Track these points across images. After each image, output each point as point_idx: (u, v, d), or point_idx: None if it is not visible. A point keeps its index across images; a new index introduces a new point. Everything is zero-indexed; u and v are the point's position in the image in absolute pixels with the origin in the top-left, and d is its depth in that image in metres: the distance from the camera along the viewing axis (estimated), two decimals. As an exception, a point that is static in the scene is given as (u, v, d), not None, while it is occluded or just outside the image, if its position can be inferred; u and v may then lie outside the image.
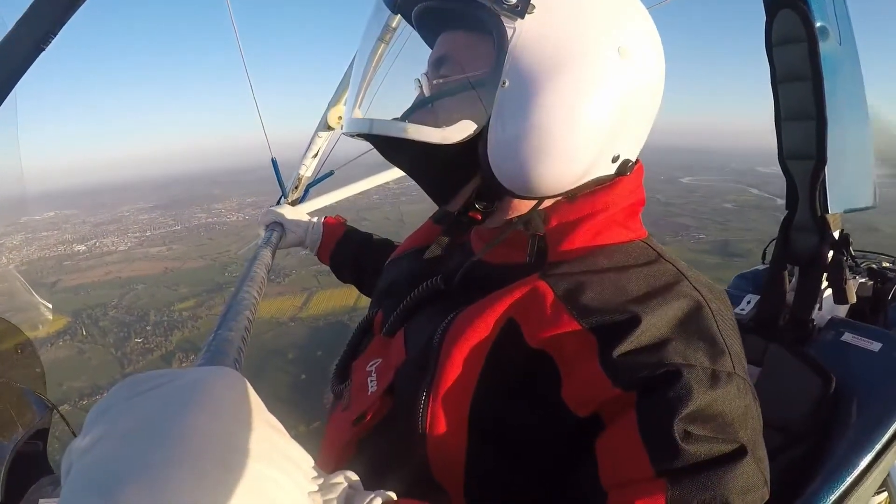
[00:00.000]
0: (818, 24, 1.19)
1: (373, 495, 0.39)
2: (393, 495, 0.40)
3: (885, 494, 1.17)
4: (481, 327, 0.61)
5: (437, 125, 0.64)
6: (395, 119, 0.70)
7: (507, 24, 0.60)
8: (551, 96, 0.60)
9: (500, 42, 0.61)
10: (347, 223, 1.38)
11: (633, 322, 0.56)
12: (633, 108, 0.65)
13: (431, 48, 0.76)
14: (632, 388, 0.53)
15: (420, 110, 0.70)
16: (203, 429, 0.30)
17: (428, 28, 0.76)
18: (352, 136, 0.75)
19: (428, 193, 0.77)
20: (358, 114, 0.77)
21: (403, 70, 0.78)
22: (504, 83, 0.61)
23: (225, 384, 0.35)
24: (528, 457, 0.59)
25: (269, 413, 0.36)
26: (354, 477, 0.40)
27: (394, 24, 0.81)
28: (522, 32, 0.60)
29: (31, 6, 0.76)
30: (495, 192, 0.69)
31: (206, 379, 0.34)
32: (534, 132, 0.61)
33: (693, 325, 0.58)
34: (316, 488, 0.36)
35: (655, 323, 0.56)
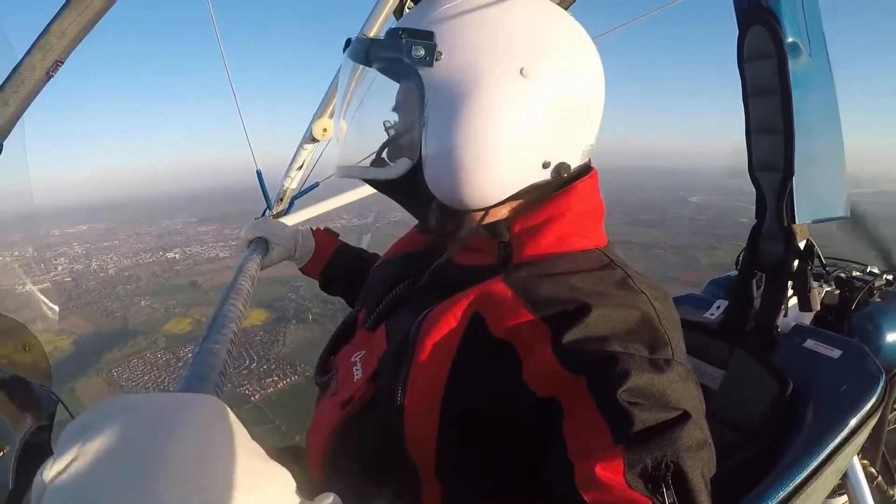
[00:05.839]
0: (789, 40, 1.22)
1: None
2: None
3: (845, 497, 1.21)
4: (451, 319, 0.69)
5: (386, 165, 0.77)
6: (357, 165, 0.84)
7: (423, 73, 0.70)
8: (459, 123, 0.69)
9: (420, 89, 0.71)
10: (339, 238, 1.38)
11: (582, 311, 0.63)
12: (554, 117, 0.72)
13: None
14: (580, 373, 0.60)
15: (384, 150, 0.83)
16: (185, 456, 0.31)
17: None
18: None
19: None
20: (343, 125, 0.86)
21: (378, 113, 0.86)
22: (425, 122, 0.71)
23: (207, 411, 0.35)
24: (494, 439, 0.66)
25: (250, 439, 0.37)
26: (337, 499, 0.40)
27: None
28: (431, 77, 0.69)
29: (41, 35, 0.83)
30: (451, 210, 0.77)
31: (188, 405, 0.35)
32: (452, 155, 0.70)
33: (636, 320, 0.65)
34: None
35: (602, 315, 0.63)
